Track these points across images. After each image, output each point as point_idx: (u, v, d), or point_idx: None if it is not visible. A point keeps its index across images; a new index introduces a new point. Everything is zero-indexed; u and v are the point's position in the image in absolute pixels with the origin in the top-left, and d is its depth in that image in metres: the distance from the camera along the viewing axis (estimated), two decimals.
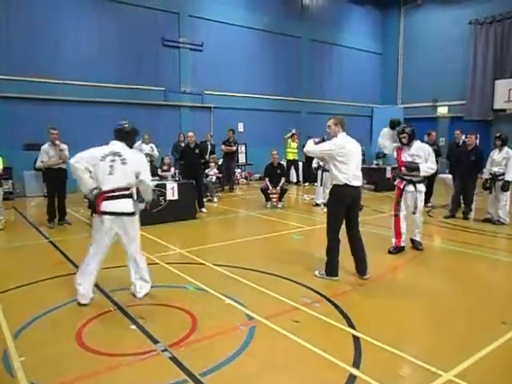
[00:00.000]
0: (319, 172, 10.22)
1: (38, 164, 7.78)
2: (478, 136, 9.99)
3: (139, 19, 13.66)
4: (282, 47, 17.22)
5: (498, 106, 16.62)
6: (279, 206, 10.01)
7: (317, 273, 5.02)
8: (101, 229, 4.18)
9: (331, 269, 4.91)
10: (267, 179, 10.13)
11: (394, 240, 6.11)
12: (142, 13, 13.70)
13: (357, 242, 4.96)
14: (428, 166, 5.83)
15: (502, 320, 3.81)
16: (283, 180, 10.13)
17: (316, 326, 3.76)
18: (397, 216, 6.05)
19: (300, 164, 15.26)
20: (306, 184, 14.83)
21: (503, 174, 7.88)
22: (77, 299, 4.20)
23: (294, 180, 15.20)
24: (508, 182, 7.78)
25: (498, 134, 8.21)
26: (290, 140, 14.84)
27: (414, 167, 5.78)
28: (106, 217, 4.10)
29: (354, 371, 2.98)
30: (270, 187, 10.00)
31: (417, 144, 5.97)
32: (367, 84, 20.46)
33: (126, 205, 4.11)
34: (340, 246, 4.93)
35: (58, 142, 7.63)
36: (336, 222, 4.86)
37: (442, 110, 18.96)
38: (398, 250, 6.07)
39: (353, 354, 3.21)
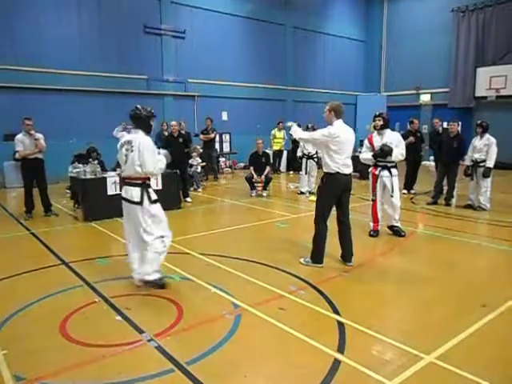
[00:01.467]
0: (304, 160, 10.26)
1: (16, 155, 7.63)
2: (460, 123, 10.12)
3: (120, 6, 13.37)
4: (265, 35, 17.09)
5: (479, 93, 16.83)
6: (264, 194, 10.02)
7: (302, 260, 5.06)
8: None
9: (317, 256, 4.94)
10: (252, 168, 10.12)
11: (372, 224, 6.35)
12: (123, 0, 13.40)
13: (346, 230, 5.00)
14: (399, 151, 5.97)
15: (481, 303, 3.90)
16: (268, 169, 10.13)
17: (301, 312, 3.80)
18: (374, 201, 6.28)
19: (284, 153, 15.29)
20: (291, 172, 14.87)
21: (484, 161, 8.01)
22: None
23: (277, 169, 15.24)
24: (489, 168, 7.92)
25: (479, 122, 8.33)
26: (275, 130, 14.86)
27: (387, 150, 5.89)
28: (122, 201, 4.28)
29: (339, 356, 3.02)
30: (255, 176, 10.00)
31: (388, 132, 6.14)
32: (351, 72, 20.50)
33: (133, 193, 4.14)
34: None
35: (32, 132, 7.47)
36: (325, 210, 4.86)
37: (425, 98, 19.13)
38: (377, 232, 6.34)
39: (337, 340, 3.25)
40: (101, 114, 12.91)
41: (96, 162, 8.29)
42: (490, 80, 16.31)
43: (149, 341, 3.26)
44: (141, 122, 4.21)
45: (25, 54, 11.70)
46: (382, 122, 6.10)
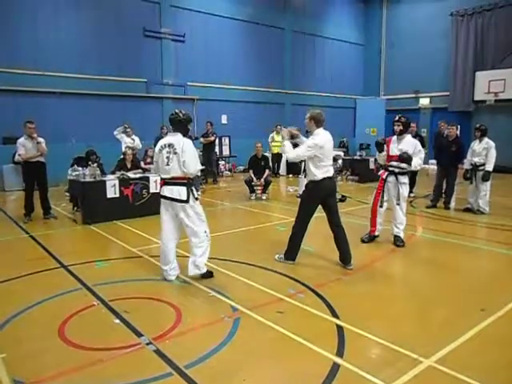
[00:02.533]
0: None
1: (17, 157, 7.64)
2: (459, 127, 10.12)
3: (120, 9, 13.41)
4: (265, 38, 17.13)
5: (478, 97, 16.87)
6: (264, 197, 10.03)
7: (276, 257, 5.24)
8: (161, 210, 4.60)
9: (290, 253, 5.11)
10: (251, 171, 10.13)
11: (369, 228, 6.17)
12: (122, 3, 13.45)
13: (339, 232, 5.01)
14: (417, 161, 5.70)
15: (480, 307, 3.90)
16: (267, 172, 10.14)
17: (300, 316, 3.79)
18: (375, 205, 6.05)
19: (283, 156, 15.28)
20: (290, 176, 14.87)
21: (483, 165, 8.02)
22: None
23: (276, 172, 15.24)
24: (488, 172, 7.92)
25: (477, 125, 8.34)
26: (274, 133, 14.88)
27: (406, 158, 5.58)
28: (163, 200, 4.51)
29: (338, 360, 3.01)
30: (254, 179, 10.01)
31: (408, 139, 5.84)
32: (350, 75, 20.54)
33: (180, 192, 4.36)
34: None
35: (35, 135, 7.49)
36: (307, 215, 5.02)
37: (424, 102, 19.17)
38: (370, 238, 6.12)
39: (336, 343, 3.24)
40: (100, 117, 12.93)
41: (95, 165, 8.29)
42: (489, 84, 16.34)
43: (147, 344, 3.25)
44: (180, 125, 4.45)
45: (24, 57, 11.73)
46: (401, 127, 5.75)
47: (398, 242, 6.01)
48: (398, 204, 5.92)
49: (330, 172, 4.93)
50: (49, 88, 12.08)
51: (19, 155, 7.49)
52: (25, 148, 7.46)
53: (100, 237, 6.67)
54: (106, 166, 9.14)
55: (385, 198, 6.02)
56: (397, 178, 5.88)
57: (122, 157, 8.77)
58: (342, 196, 9.49)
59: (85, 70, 12.68)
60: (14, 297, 4.24)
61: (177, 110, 4.53)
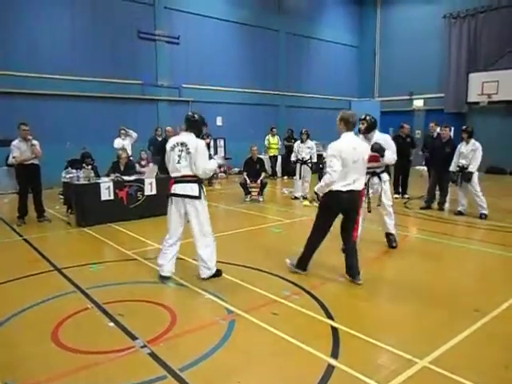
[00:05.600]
0: (298, 166, 10.28)
1: (11, 160, 7.60)
2: (453, 128, 10.17)
3: (114, 11, 13.38)
4: (260, 40, 17.17)
5: (471, 98, 16.97)
6: (260, 199, 10.03)
7: (287, 263, 4.94)
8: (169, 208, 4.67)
9: (301, 261, 4.79)
10: (245, 173, 10.14)
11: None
12: (116, 5, 13.42)
13: (349, 245, 4.63)
14: (390, 154, 5.49)
15: (474, 308, 3.92)
16: (263, 174, 10.16)
17: (295, 318, 3.79)
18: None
19: (279, 158, 15.34)
20: (285, 177, 14.90)
21: None
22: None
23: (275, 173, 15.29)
24: (471, 172, 7.81)
25: (464, 127, 8.33)
26: (269, 136, 14.92)
27: (378, 148, 5.34)
28: (174, 198, 4.57)
29: (333, 361, 3.02)
30: (248, 181, 10.01)
31: (377, 135, 5.64)
32: (344, 77, 20.60)
33: (192, 188, 4.48)
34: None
35: (29, 137, 7.45)
36: (323, 223, 4.63)
37: (418, 103, 19.27)
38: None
39: (331, 345, 3.25)
40: (95, 119, 12.90)
41: (89, 167, 8.27)
42: (482, 85, 16.44)
43: (142, 347, 3.24)
44: (195, 125, 4.59)
45: (18, 58, 11.67)
46: (365, 125, 5.55)
47: (391, 243, 5.94)
48: (379, 205, 5.76)
49: (354, 185, 4.37)
50: (43, 90, 12.02)
51: (13, 158, 7.45)
52: (19, 150, 7.41)
53: (94, 239, 6.64)
54: (100, 168, 9.11)
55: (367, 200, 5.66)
56: (380, 178, 5.71)
57: (116, 159, 8.74)
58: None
59: (79, 71, 12.63)
60: (8, 300, 4.21)
61: (194, 111, 4.75)
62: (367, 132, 5.59)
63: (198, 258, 4.64)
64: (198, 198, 4.48)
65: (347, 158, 4.27)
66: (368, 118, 5.61)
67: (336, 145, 4.38)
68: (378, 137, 5.65)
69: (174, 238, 4.65)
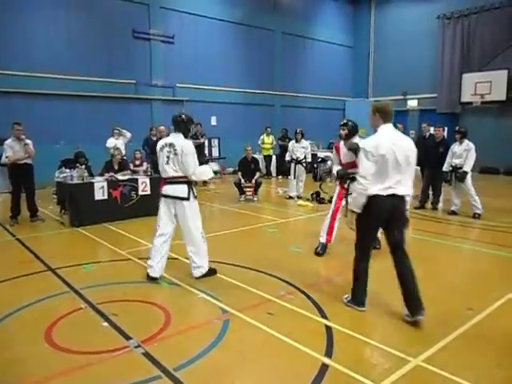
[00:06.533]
0: (292, 165, 10.29)
1: (3, 159, 7.54)
2: (446, 128, 10.23)
3: (109, 11, 13.31)
4: (254, 40, 17.16)
5: (465, 99, 17.07)
6: (255, 199, 10.03)
7: (344, 300, 4.04)
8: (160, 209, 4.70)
9: (356, 293, 3.92)
10: (240, 173, 10.14)
11: (324, 237, 5.61)
12: (111, 4, 13.36)
13: (404, 271, 3.74)
14: None
15: (468, 306, 3.95)
16: (258, 174, 10.16)
17: (290, 317, 3.80)
18: (335, 212, 5.56)
19: (273, 157, 15.36)
20: (280, 177, 14.91)
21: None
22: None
23: (269, 173, 15.30)
24: (465, 172, 7.90)
25: (457, 128, 8.43)
26: (264, 135, 14.92)
27: (355, 147, 5.08)
28: (164, 199, 4.61)
29: (327, 360, 3.03)
30: (243, 181, 10.01)
31: (357, 141, 5.38)
32: (339, 77, 20.65)
33: (181, 190, 4.49)
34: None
35: (23, 137, 7.41)
36: (364, 239, 3.87)
37: (412, 103, 19.34)
38: (326, 248, 5.65)
39: (325, 344, 3.26)
40: (89, 118, 12.84)
41: (83, 166, 8.22)
42: (476, 86, 16.54)
43: (136, 347, 3.23)
44: (182, 125, 4.57)
45: (12, 57, 11.58)
46: (346, 132, 5.46)
47: (376, 244, 5.62)
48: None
49: (397, 189, 3.56)
50: (37, 89, 11.94)
51: (6, 157, 7.40)
52: (12, 150, 7.37)
53: (88, 239, 6.61)
54: (94, 167, 9.07)
55: (343, 203, 5.52)
56: None
57: (110, 158, 8.71)
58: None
59: (73, 71, 12.55)
60: (0, 300, 4.18)
61: (181, 112, 4.74)
62: (348, 138, 5.50)
63: (189, 257, 4.69)
64: (187, 199, 4.50)
65: (386, 156, 3.50)
66: (349, 123, 5.54)
67: (370, 140, 3.61)
68: (357, 141, 5.42)
69: (165, 234, 4.64)
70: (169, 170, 4.50)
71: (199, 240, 4.64)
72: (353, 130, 5.52)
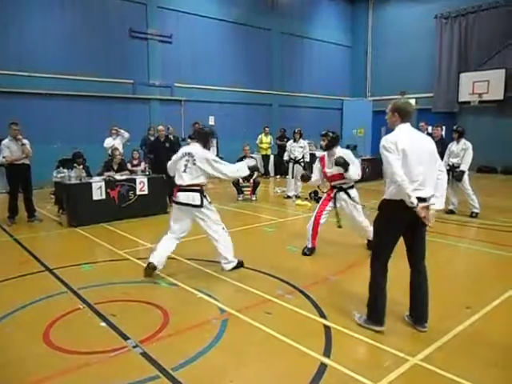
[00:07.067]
0: (290, 165, 10.29)
1: (1, 160, 7.51)
2: (444, 128, 10.23)
3: (106, 10, 13.27)
4: (252, 40, 17.14)
5: (462, 98, 17.09)
6: (253, 198, 10.03)
7: (356, 318, 3.64)
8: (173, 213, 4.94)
9: (372, 310, 3.51)
10: None
11: (309, 242, 5.61)
12: (108, 3, 13.32)
13: (419, 280, 3.62)
14: (355, 169, 5.25)
15: (466, 305, 3.95)
16: (256, 174, 10.16)
17: (288, 317, 3.80)
18: (318, 218, 5.55)
19: (271, 157, 15.37)
20: (278, 177, 14.92)
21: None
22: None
23: (267, 172, 15.31)
24: (462, 171, 7.90)
25: (454, 127, 8.42)
26: (262, 135, 14.93)
27: (342, 163, 5.14)
28: (177, 206, 4.79)
29: (325, 360, 3.03)
30: (241, 180, 10.01)
31: (339, 151, 5.47)
32: (337, 77, 20.63)
33: (194, 197, 4.66)
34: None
35: (20, 137, 7.39)
36: (382, 249, 3.54)
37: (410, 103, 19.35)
38: (313, 250, 5.64)
39: (324, 344, 3.26)
40: (86, 118, 12.80)
41: (81, 167, 8.21)
42: (473, 85, 16.56)
43: (134, 347, 3.23)
44: (205, 137, 4.86)
45: (9, 57, 11.53)
46: (326, 142, 5.44)
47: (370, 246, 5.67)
48: (357, 218, 5.50)
49: (421, 191, 3.27)
50: (34, 89, 11.89)
51: (4, 157, 7.38)
52: (9, 150, 7.35)
53: (86, 239, 6.60)
54: (91, 167, 9.05)
55: (327, 209, 5.58)
56: (348, 194, 5.46)
57: (109, 158, 8.69)
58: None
59: (71, 70, 12.51)
60: None
61: (203, 124, 5.11)
62: (329, 148, 5.50)
63: (220, 254, 4.92)
64: (200, 206, 4.66)
65: (407, 151, 3.25)
66: (330, 133, 5.50)
67: (389, 136, 3.37)
68: (340, 152, 5.47)
69: (175, 235, 4.85)
70: (186, 177, 4.67)
71: (224, 237, 4.88)
72: (333, 141, 5.49)
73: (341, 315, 3.77)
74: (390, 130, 3.55)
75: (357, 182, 5.53)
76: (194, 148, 4.75)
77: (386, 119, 3.56)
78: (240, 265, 5.05)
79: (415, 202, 3.16)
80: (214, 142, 15.57)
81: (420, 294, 3.56)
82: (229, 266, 4.94)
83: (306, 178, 5.67)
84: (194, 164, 4.62)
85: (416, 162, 3.26)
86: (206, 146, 4.87)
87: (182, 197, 4.69)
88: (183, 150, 4.85)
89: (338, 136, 5.59)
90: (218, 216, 4.89)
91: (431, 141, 3.55)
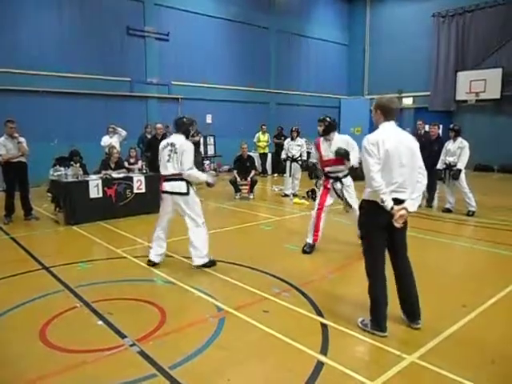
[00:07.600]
0: (288, 163, 10.29)
1: None
2: (441, 126, 10.26)
3: (103, 8, 13.21)
4: (249, 38, 17.11)
5: (459, 97, 17.13)
6: (251, 197, 10.03)
7: (359, 323, 3.53)
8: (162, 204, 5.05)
9: (374, 316, 3.41)
10: (235, 171, 10.14)
11: (310, 237, 5.60)
12: (105, 1, 13.26)
13: (405, 279, 3.54)
14: (355, 154, 5.29)
15: (462, 303, 3.96)
16: (253, 172, 10.16)
17: (285, 315, 3.80)
18: (319, 210, 5.57)
19: (269, 155, 15.36)
20: (275, 175, 14.92)
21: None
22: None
23: (265, 171, 15.30)
24: (459, 170, 7.95)
25: (451, 126, 8.46)
26: (259, 133, 14.91)
27: (344, 153, 5.18)
28: (164, 195, 4.91)
29: (322, 358, 3.03)
30: (238, 179, 10.01)
31: (337, 137, 5.49)
32: (334, 75, 20.64)
33: (180, 186, 4.79)
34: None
35: (16, 135, 7.36)
36: (374, 253, 3.43)
37: (407, 101, 19.38)
38: (313, 248, 5.63)
39: (321, 342, 3.26)
40: (83, 116, 12.76)
41: (78, 165, 8.19)
42: (470, 84, 16.60)
43: (131, 345, 3.22)
44: (183, 127, 4.91)
45: (5, 55, 11.48)
46: (323, 127, 5.44)
47: None
48: (348, 210, 5.56)
49: (400, 193, 3.25)
50: (30, 87, 11.84)
51: (0, 156, 7.35)
52: (5, 148, 7.32)
53: (83, 238, 6.58)
54: (88, 165, 9.03)
55: (327, 203, 5.61)
56: (342, 183, 5.52)
57: (106, 156, 8.66)
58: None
59: (68, 68, 12.46)
60: None
61: (184, 115, 5.14)
62: (326, 133, 5.50)
63: (191, 246, 4.89)
64: (187, 194, 4.79)
65: (389, 152, 3.20)
66: (327, 118, 5.51)
67: (370, 136, 3.29)
68: (338, 138, 5.52)
69: (159, 226, 5.04)
70: (169, 167, 4.80)
71: (202, 229, 4.91)
72: (330, 126, 5.50)
73: (338, 313, 3.78)
74: (375, 128, 3.45)
75: (354, 180, 5.54)
76: (177, 138, 4.86)
77: (372, 117, 3.49)
78: (212, 263, 4.98)
79: (389, 206, 3.16)
80: (212, 139, 15.58)
81: (409, 294, 3.52)
82: (200, 261, 4.90)
83: (317, 176, 5.70)
84: (176, 153, 4.76)
85: (397, 164, 3.23)
86: (188, 135, 4.99)
87: (168, 186, 4.84)
88: (165, 141, 4.99)
89: (335, 122, 5.61)
90: (201, 209, 4.96)
91: (415, 141, 3.49)
